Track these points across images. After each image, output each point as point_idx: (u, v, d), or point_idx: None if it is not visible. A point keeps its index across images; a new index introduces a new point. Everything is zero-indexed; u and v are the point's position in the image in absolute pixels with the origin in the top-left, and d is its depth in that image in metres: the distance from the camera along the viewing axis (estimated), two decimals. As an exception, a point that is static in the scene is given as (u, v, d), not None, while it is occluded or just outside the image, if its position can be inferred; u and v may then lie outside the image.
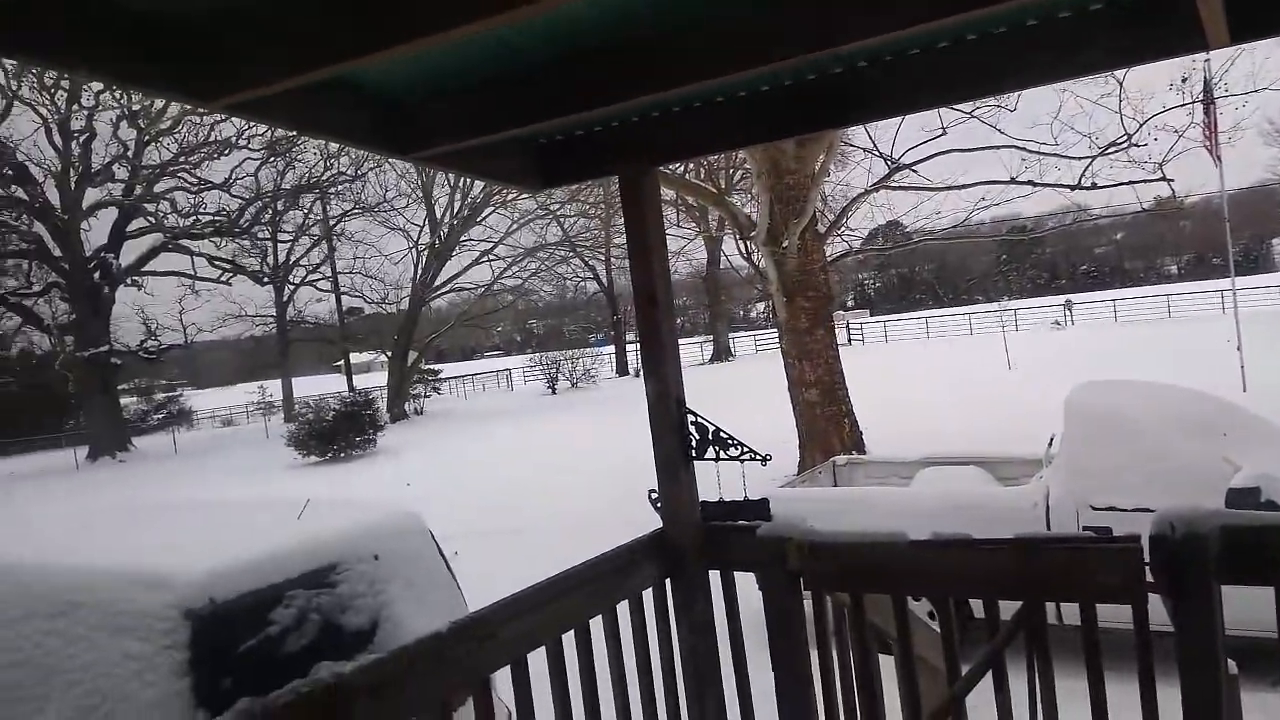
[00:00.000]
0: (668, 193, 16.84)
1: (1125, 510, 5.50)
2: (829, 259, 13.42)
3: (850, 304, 77.07)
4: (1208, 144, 14.66)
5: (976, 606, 3.30)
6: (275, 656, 3.35)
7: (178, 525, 4.59)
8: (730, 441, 2.56)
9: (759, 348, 49.09)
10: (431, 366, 41.03)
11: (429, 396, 38.30)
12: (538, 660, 2.24)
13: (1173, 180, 13.03)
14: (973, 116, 12.91)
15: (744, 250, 13.99)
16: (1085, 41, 1.91)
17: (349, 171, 34.01)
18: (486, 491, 14.65)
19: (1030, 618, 2.32)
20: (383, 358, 38.58)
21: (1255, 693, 2.16)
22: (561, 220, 36.49)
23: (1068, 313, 45.03)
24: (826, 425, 11.58)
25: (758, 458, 2.53)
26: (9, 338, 38.11)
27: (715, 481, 2.60)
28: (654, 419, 2.62)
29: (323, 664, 2.71)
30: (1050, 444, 6.64)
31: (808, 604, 2.63)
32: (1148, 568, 2.16)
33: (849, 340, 43.77)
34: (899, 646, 2.50)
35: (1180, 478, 5.30)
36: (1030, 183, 13.21)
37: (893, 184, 13.78)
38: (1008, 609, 2.34)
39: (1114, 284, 71.07)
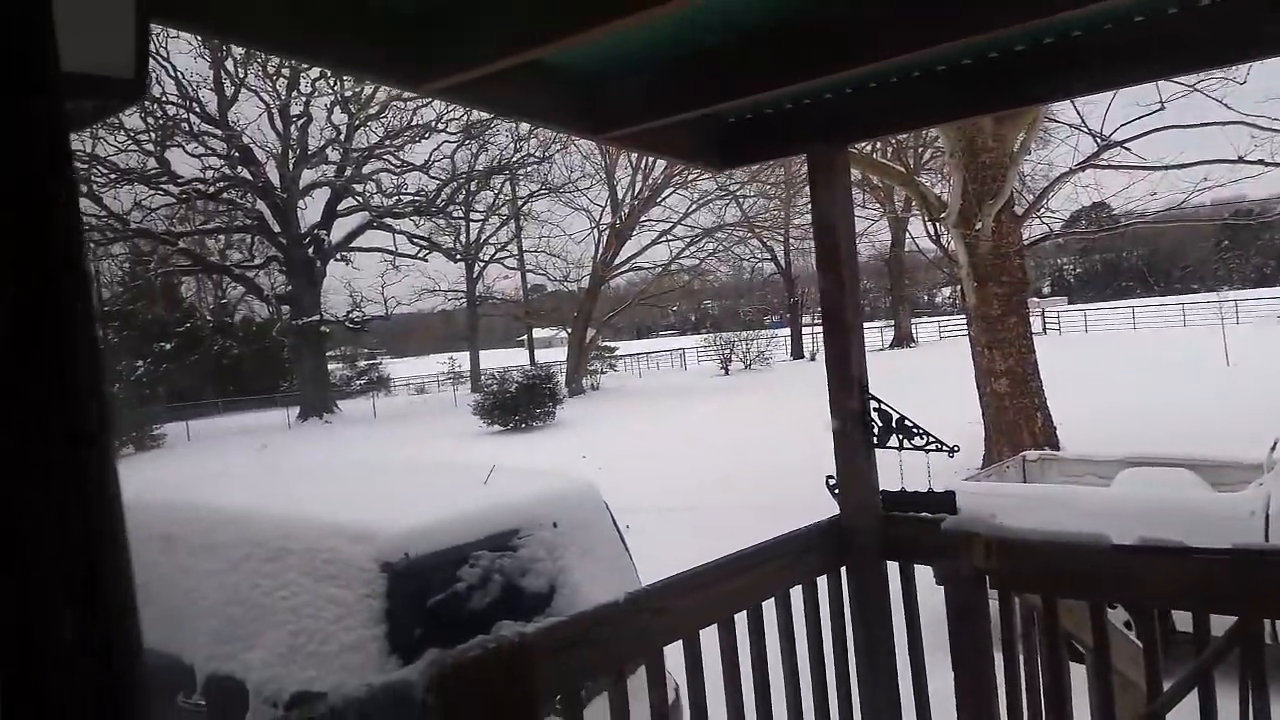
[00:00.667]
0: (852, 172, 16.37)
1: (1367, 527, 4.92)
2: (1025, 242, 12.66)
3: (1046, 291, 72.52)
4: None
5: (1180, 619, 3.04)
6: (460, 612, 3.54)
7: (377, 483, 4.94)
8: (915, 430, 2.46)
9: (943, 334, 47.09)
10: (608, 344, 42.01)
11: (605, 373, 39.22)
12: (709, 637, 2.26)
13: None
14: (1195, 90, 11.76)
15: (932, 232, 13.41)
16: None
17: (537, 154, 35.24)
18: (657, 468, 14.87)
19: (1245, 635, 2.12)
20: (563, 334, 39.84)
21: None
22: (740, 200, 36.30)
23: (1300, 305, 40.45)
24: (1016, 418, 10.98)
25: (944, 448, 2.43)
26: (233, 306, 42.15)
27: (898, 471, 2.51)
28: (835, 404, 2.57)
29: (504, 623, 2.85)
30: (1274, 448, 6.02)
31: (993, 604, 2.51)
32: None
33: (1044, 329, 41.24)
34: (1095, 656, 2.34)
35: None
36: (1261, 162, 11.91)
37: (1101, 162, 12.78)
38: (1219, 624, 2.15)
39: (1360, 275, 63.11)
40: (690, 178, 33.30)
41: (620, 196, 36.17)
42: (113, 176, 28.51)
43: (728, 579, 2.33)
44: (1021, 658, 2.54)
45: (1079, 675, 2.51)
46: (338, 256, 35.48)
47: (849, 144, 2.62)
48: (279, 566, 3.71)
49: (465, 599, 3.60)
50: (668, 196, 35.66)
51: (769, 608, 2.45)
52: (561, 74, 2.19)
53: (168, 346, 37.52)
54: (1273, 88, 12.07)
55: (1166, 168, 12.57)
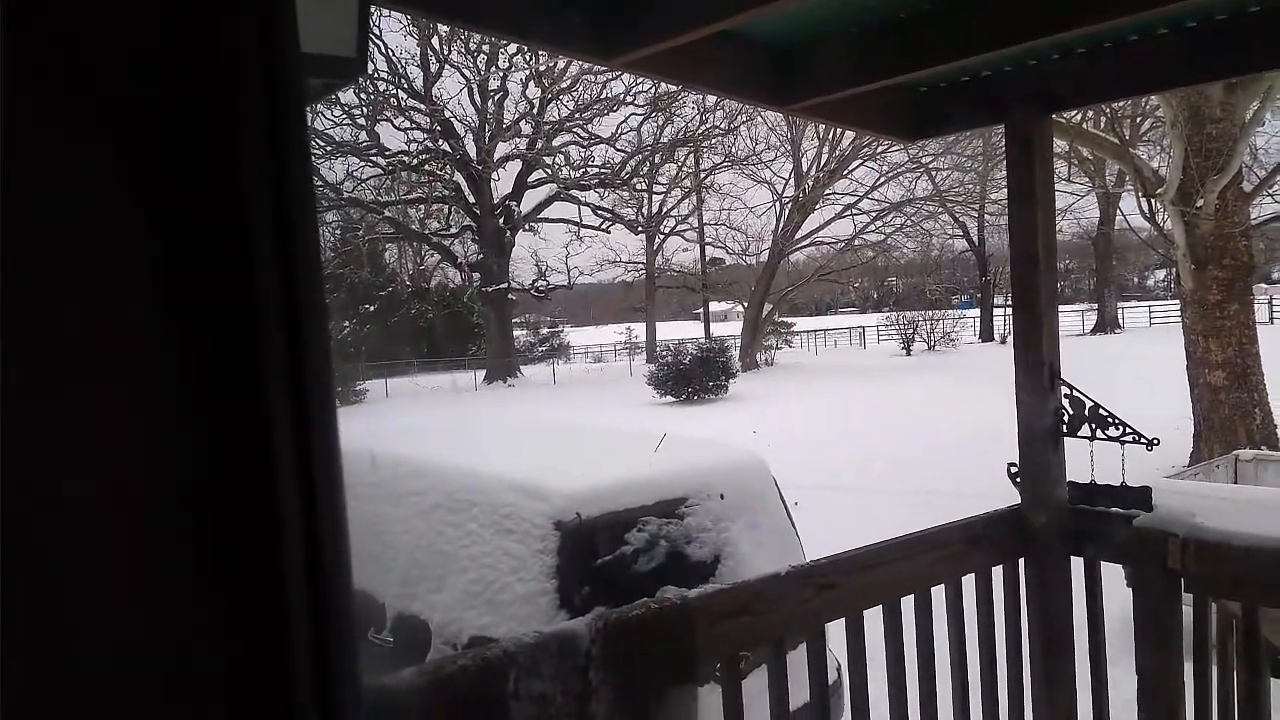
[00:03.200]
0: (1058, 144, 15.35)
1: None
2: (1253, 222, 11.46)
3: (1276, 277, 65.33)
4: None
5: None
6: (626, 574, 3.66)
7: (555, 444, 5.15)
8: (1111, 420, 2.31)
9: (1153, 320, 43.49)
10: (785, 319, 41.50)
11: (780, 349, 38.84)
12: (873, 619, 2.22)
13: None
14: None
15: (1146, 210, 12.37)
16: None
17: (722, 126, 35.09)
18: (827, 447, 14.63)
19: None
20: (739, 308, 39.71)
21: None
22: (933, 173, 34.77)
23: None
24: (1231, 414, 10.03)
25: (1143, 440, 2.26)
26: (430, 272, 44.68)
27: (1088, 462, 2.37)
28: (1022, 388, 2.44)
29: (668, 587, 2.92)
30: None
31: (1186, 610, 2.33)
32: None
33: (1270, 319, 37.28)
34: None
35: None
36: None
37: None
38: None
39: None
40: (880, 150, 32.21)
41: (805, 169, 35.51)
42: (328, 149, 30.78)
43: (896, 561, 2.28)
44: (1215, 669, 2.35)
45: (1278, 691, 2.30)
46: (526, 227, 36.88)
47: (1052, 113, 2.46)
48: (463, 517, 3.95)
49: (631, 562, 3.70)
50: (854, 169, 34.67)
51: (938, 594, 2.38)
52: (750, 44, 2.18)
53: (371, 309, 40.35)
54: None
55: None
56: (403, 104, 32.63)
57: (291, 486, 0.34)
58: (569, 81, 33.83)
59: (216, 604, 0.33)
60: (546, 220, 37.92)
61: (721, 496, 3.97)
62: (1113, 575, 2.56)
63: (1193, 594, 2.27)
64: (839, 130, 32.87)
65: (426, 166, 34.21)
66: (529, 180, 36.59)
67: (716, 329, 40.33)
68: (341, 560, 0.35)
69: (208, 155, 0.33)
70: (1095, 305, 43.06)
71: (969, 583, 2.45)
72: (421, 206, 36.64)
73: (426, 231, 37.14)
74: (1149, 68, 2.13)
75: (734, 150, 36.50)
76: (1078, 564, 2.55)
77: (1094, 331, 40.57)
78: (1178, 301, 11.41)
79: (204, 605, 0.33)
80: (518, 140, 35.69)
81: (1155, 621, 2.33)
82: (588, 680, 1.55)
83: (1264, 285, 43.49)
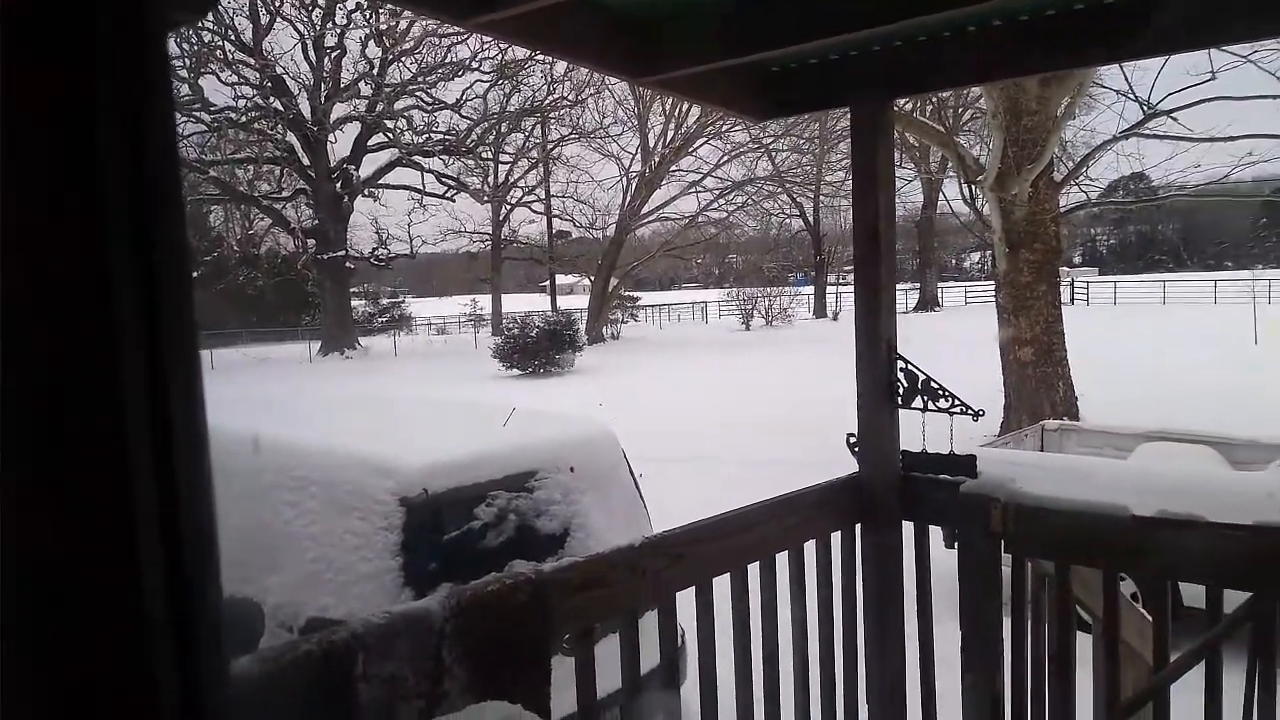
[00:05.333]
0: (887, 130, 16.07)
1: (1385, 514, 4.87)
2: (1061, 210, 12.44)
3: (1078, 261, 71.50)
4: None
5: (1188, 595, 3.04)
6: (475, 549, 3.60)
7: (399, 419, 4.99)
8: (941, 392, 2.45)
9: (969, 299, 46.65)
10: (630, 293, 41.91)
11: (626, 322, 39.22)
12: (721, 586, 2.28)
13: None
14: (1249, 61, 11.42)
15: (967, 195, 13.20)
16: None
17: (570, 97, 34.82)
18: (673, 418, 14.93)
19: (1259, 612, 2.11)
20: (585, 281, 39.77)
21: None
22: (773, 154, 35.82)
23: (1336, 288, 39.70)
24: (1038, 387, 10.91)
25: (969, 411, 2.41)
26: (259, 237, 42.28)
27: (920, 432, 2.50)
28: (861, 361, 2.55)
29: (517, 561, 2.89)
30: (1300, 431, 5.96)
31: (1006, 570, 2.52)
32: None
33: (1072, 300, 40.74)
34: (1105, 625, 2.35)
35: None
36: (1313, 138, 11.61)
37: (1146, 131, 12.48)
38: (1230, 601, 2.15)
39: (1401, 260, 61.78)
40: (724, 128, 32.86)
41: (651, 145, 35.79)
42: (145, 101, 28.45)
43: (743, 530, 2.34)
44: (1030, 623, 2.55)
45: (1084, 644, 2.53)
46: (366, 192, 35.43)
47: (895, 98, 2.57)
48: (302, 495, 3.78)
49: (480, 537, 3.65)
50: (699, 147, 35.26)
51: (782, 560, 2.47)
52: (610, 13, 2.15)
53: (194, 275, 37.73)
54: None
55: (1213, 140, 12.26)
56: (230, 57, 30.57)
57: (149, 472, 0.29)
58: (412, 43, 32.67)
59: (76, 598, 0.29)
60: (387, 186, 36.57)
61: (571, 469, 3.97)
62: (937, 537, 2.73)
63: (1011, 554, 2.44)
64: (685, 108, 33.34)
65: (256, 125, 32.26)
66: (369, 144, 35.15)
67: (563, 302, 40.22)
68: (205, 552, 0.31)
69: (60, 75, 0.28)
70: (918, 285, 45.74)
71: (811, 548, 2.55)
72: (250, 167, 34.53)
73: (256, 194, 35.07)
74: (984, 58, 2.24)
75: (581, 123, 36.36)
76: (909, 527, 2.70)
77: (916, 309, 43.11)
78: (992, 282, 12.26)
79: (60, 601, 0.28)
80: (357, 102, 34.19)
81: (978, 580, 2.50)
82: (440, 659, 1.51)
83: (1066, 269, 47.36)
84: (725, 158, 35.68)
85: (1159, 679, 2.28)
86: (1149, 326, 28.72)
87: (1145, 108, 11.95)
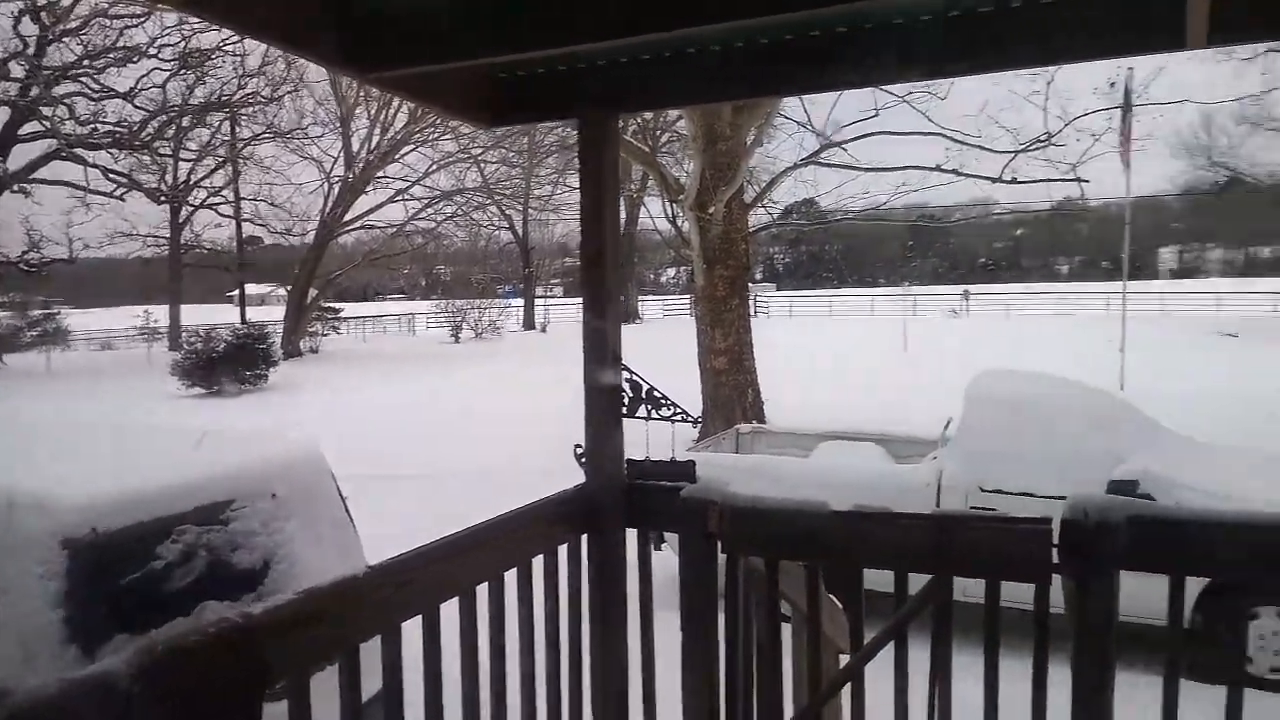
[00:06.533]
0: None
1: (1011, 494, 5.73)
2: (751, 229, 13.52)
3: (759, 277, 78.08)
4: (1122, 149, 15.31)
5: (880, 583, 3.40)
6: (158, 594, 3.19)
7: (58, 447, 4.32)
8: (664, 401, 2.53)
9: (666, 313, 49.33)
10: (332, 304, 39.78)
11: (327, 335, 37.21)
12: (449, 608, 2.19)
13: (1087, 181, 13.58)
14: (904, 101, 13.12)
15: (668, 213, 13.96)
16: (1069, 29, 1.91)
17: (264, 93, 32.37)
18: (381, 435, 14.36)
19: (938, 593, 2.38)
20: (280, 291, 37.19)
21: (1120, 673, 2.26)
22: (482, 166, 35.62)
23: (964, 302, 46.73)
24: (731, 394, 11.74)
25: (689, 419, 2.51)
26: None
27: (645, 440, 2.57)
28: (588, 372, 2.57)
29: (209, 603, 2.59)
30: (947, 426, 6.86)
31: (721, 568, 2.64)
32: (1055, 550, 2.23)
33: (755, 313, 44.28)
34: (809, 615, 2.53)
35: (1068, 466, 5.54)
36: (955, 171, 13.54)
37: (821, 160, 13.92)
38: (913, 585, 2.40)
39: (1009, 279, 74.05)
40: (433, 136, 32.20)
41: (356, 149, 34.24)
42: None
43: (471, 551, 2.26)
44: (742, 618, 2.69)
45: (784, 635, 2.71)
46: (15, 188, 30.59)
47: (621, 114, 2.61)
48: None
49: (163, 579, 3.24)
50: (407, 154, 34.24)
51: (510, 577, 2.41)
52: (328, 2, 1.99)
53: None
54: (968, 106, 13.76)
55: (877, 170, 13.92)
56: None
57: None
58: (77, 22, 28.76)
59: None
60: (43, 181, 31.77)
61: (274, 496, 3.64)
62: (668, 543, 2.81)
63: (726, 554, 2.57)
64: (392, 112, 32.30)
65: None
66: (20, 133, 30.43)
67: (255, 314, 37.27)
68: None
69: None
70: (621, 298, 47.63)
71: (539, 563, 2.52)
72: None
73: None
74: (704, 79, 2.34)
75: (278, 122, 33.94)
76: (633, 534, 2.76)
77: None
78: (687, 296, 13.05)
79: None
80: (6, 85, 29.47)
81: (697, 580, 2.60)
82: (128, 729, 1.29)
83: (750, 284, 51.48)
84: (434, 166, 34.95)
85: (855, 661, 2.49)
86: (821, 336, 32.03)
87: (821, 138, 13.32)
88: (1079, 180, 13.49)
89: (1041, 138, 13.06)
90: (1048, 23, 1.93)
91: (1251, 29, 1.85)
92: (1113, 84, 14.61)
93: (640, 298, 51.73)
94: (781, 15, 1.80)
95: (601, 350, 2.53)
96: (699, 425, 2.64)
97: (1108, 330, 20.41)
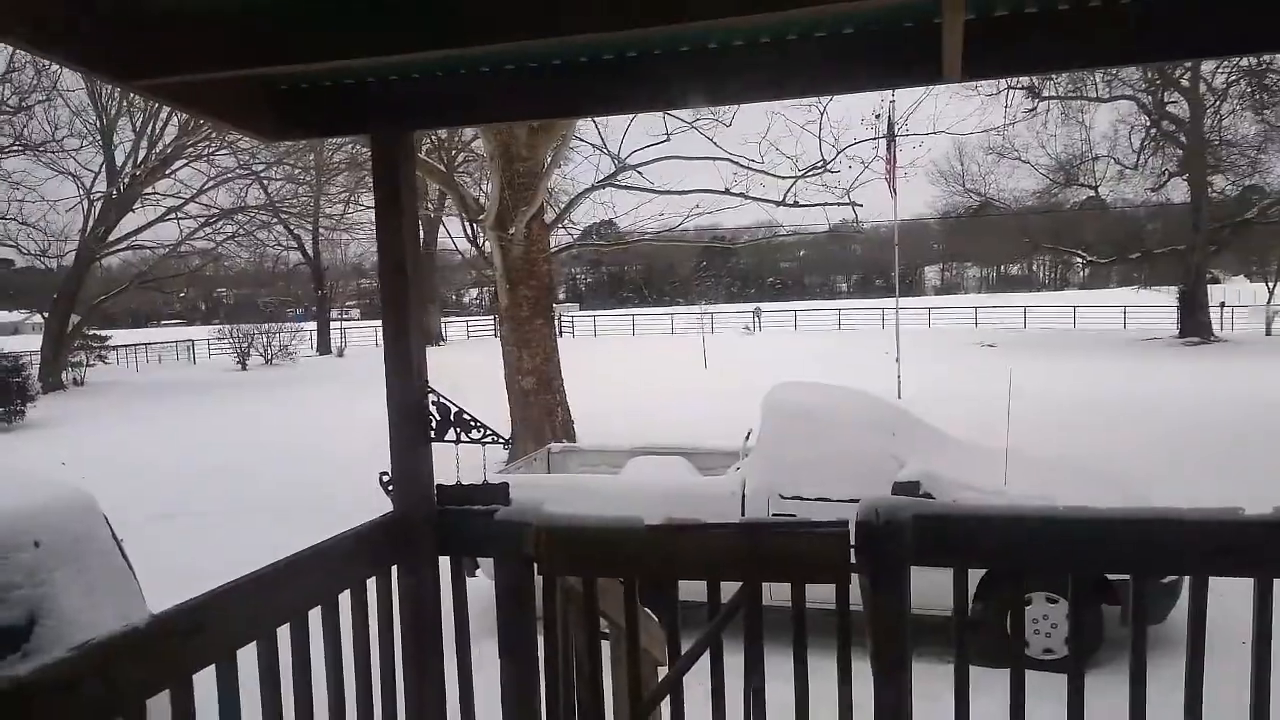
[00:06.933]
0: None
1: (809, 500, 6.04)
2: (553, 249, 13.59)
3: (563, 297, 78.68)
4: (888, 176, 16.68)
5: (688, 591, 3.48)
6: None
7: None
8: (473, 423, 2.48)
9: (471, 334, 48.63)
10: (98, 332, 36.33)
11: (93, 365, 33.93)
12: (248, 654, 2.04)
13: (861, 205, 14.69)
14: (694, 127, 13.64)
15: (469, 233, 13.80)
16: (839, 61, 2.05)
17: (11, 103, 29.12)
18: (161, 473, 13.24)
19: (748, 598, 2.47)
20: (38, 319, 33.55)
21: (916, 662, 2.44)
22: (266, 183, 33.69)
23: (756, 319, 49.17)
24: (540, 413, 11.71)
25: (500, 440, 2.47)
26: None
27: (455, 464, 2.50)
28: (392, 396, 2.48)
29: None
30: (747, 438, 7.15)
31: (539, 589, 2.61)
32: (853, 550, 2.37)
33: (561, 332, 44.55)
34: (627, 630, 2.55)
35: (858, 471, 5.90)
36: (743, 195, 14.24)
37: (618, 182, 14.21)
38: (725, 593, 2.48)
39: (795, 296, 78.78)
40: (208, 150, 30.13)
41: (120, 163, 31.45)
42: None
43: (268, 591, 2.12)
44: (561, 639, 2.68)
45: (606, 650, 2.73)
46: None
47: (415, 129, 2.55)
48: None
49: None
50: (179, 169, 31.82)
51: (315, 616, 2.28)
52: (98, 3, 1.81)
53: None
54: (750, 133, 14.53)
55: (670, 192, 14.38)
56: None
57: None
58: None
59: None
60: None
61: (36, 544, 3.26)
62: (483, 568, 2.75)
63: (544, 575, 2.55)
64: (158, 124, 29.99)
65: None
66: None
67: (6, 343, 33.39)
68: None
69: None
70: (423, 319, 46.46)
71: (346, 599, 2.40)
72: None
73: None
74: (499, 97, 2.32)
75: (28, 133, 30.60)
76: (446, 562, 2.68)
77: (423, 344, 43.71)
78: (492, 317, 12.97)
79: None
80: None
81: (512, 604, 2.56)
82: None
83: (554, 304, 51.69)
84: (210, 183, 32.64)
85: (674, 673, 2.54)
86: (625, 354, 32.63)
87: (616, 161, 13.61)
88: (852, 204, 14.61)
89: (818, 165, 14.02)
90: (817, 55, 2.06)
91: (1000, 64, 2.08)
92: (878, 115, 16.00)
93: (444, 319, 50.71)
94: (576, 37, 1.82)
95: (405, 373, 2.45)
96: (509, 447, 2.60)
97: (884, 343, 22.06)
